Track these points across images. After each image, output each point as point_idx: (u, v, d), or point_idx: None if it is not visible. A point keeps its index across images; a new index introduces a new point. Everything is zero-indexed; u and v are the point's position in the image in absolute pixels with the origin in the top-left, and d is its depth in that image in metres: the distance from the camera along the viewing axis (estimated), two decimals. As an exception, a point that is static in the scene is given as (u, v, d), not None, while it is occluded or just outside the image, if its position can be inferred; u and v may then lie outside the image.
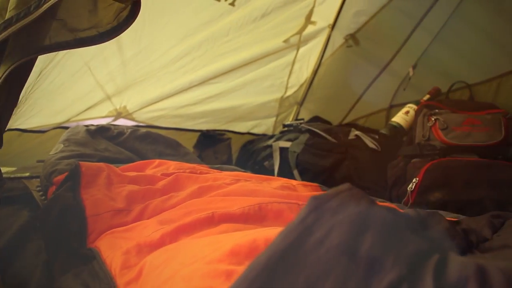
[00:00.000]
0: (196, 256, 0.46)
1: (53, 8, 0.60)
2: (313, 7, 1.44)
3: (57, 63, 1.04)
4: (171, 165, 0.87)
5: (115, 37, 0.67)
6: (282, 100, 1.63)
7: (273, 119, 1.65)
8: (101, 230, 0.64)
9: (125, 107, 1.46)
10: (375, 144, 1.15)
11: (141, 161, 0.89)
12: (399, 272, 0.29)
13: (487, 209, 0.88)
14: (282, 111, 1.65)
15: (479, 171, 0.94)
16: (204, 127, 1.55)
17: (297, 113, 1.63)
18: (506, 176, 0.92)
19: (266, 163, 1.33)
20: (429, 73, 1.33)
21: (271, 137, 1.42)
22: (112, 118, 1.47)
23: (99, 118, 1.44)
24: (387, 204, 0.81)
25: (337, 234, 0.30)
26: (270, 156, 1.33)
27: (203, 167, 0.92)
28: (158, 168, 0.86)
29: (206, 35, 1.36)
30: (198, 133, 1.46)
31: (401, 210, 0.63)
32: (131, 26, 1.28)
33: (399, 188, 1.02)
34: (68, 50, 1.07)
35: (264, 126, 1.63)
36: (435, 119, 1.08)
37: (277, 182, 0.82)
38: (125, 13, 0.67)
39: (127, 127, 1.12)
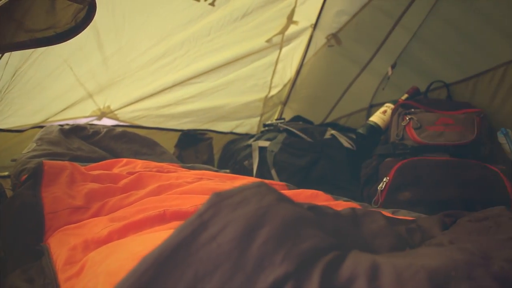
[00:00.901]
0: (131, 252, 0.47)
1: (8, 9, 0.62)
2: (295, 7, 1.44)
3: (34, 61, 1.05)
4: (138, 164, 0.88)
5: (73, 37, 0.68)
6: (266, 99, 1.64)
7: (258, 118, 1.66)
8: (58, 227, 0.65)
9: (108, 106, 1.48)
10: (350, 144, 1.15)
11: (109, 160, 0.90)
12: (286, 269, 0.29)
13: (455, 208, 0.87)
14: (267, 110, 1.65)
15: (448, 171, 0.94)
16: (188, 126, 1.56)
17: (281, 113, 1.64)
18: (474, 176, 0.91)
19: (246, 162, 1.33)
20: (408, 72, 1.33)
21: (253, 136, 1.43)
22: (96, 118, 1.49)
23: (82, 117, 1.46)
24: (349, 203, 0.81)
25: (231, 230, 0.31)
26: (250, 155, 1.33)
27: (172, 166, 0.93)
28: (126, 167, 0.87)
29: (187, 35, 1.37)
30: (180, 133, 1.47)
31: (358, 208, 0.63)
32: (111, 24, 1.28)
33: (371, 187, 1.02)
34: (46, 48, 1.08)
35: (248, 125, 1.63)
36: (409, 118, 1.08)
37: (242, 181, 0.83)
38: (82, 14, 0.68)
39: (104, 127, 1.13)
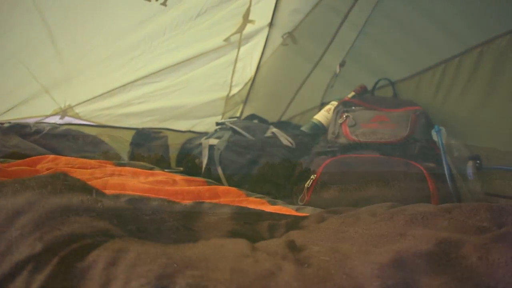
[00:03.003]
0: None
1: None
2: (250, 6, 1.44)
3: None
4: (62, 160, 0.90)
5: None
6: (227, 98, 1.65)
7: (219, 117, 1.67)
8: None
9: (69, 105, 1.51)
10: (290, 142, 1.15)
11: (35, 157, 0.92)
12: (31, 251, 0.30)
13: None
14: (228, 109, 1.66)
15: (372, 168, 0.93)
16: (149, 124, 1.58)
17: (242, 112, 1.65)
18: (397, 174, 0.90)
19: (197, 160, 1.35)
20: (359, 70, 1.32)
21: (206, 134, 1.44)
22: (59, 117, 1.53)
23: (44, 116, 1.50)
24: (261, 199, 0.81)
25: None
26: (202, 153, 1.35)
27: (98, 163, 0.95)
28: (50, 163, 0.90)
29: (142, 35, 1.39)
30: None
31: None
32: (63, 20, 1.27)
33: (300, 184, 1.02)
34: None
35: (209, 124, 1.65)
36: (346, 116, 1.07)
37: (154, 177, 0.84)
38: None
39: (48, 125, 1.16)
